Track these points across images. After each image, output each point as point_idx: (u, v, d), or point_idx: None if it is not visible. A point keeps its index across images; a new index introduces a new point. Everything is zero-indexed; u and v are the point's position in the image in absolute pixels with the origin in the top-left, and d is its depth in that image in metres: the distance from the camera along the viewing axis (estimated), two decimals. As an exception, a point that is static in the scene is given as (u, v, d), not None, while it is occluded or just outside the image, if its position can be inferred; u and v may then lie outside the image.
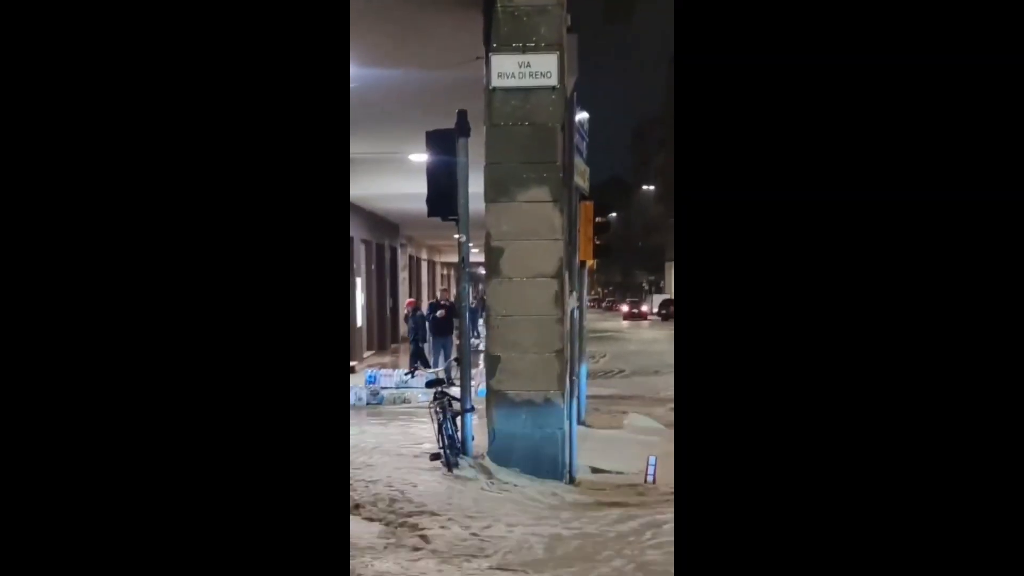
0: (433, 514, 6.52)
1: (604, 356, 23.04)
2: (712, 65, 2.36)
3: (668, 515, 6.60)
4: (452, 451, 7.93)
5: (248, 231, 2.31)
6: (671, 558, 5.49)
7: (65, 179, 2.26)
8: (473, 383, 8.96)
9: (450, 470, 7.73)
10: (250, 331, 2.37)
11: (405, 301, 22.68)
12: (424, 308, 19.17)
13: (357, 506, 6.76)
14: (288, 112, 2.27)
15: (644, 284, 69.80)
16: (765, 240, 2.34)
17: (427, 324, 16.95)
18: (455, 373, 10.46)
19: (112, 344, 2.33)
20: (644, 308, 52.80)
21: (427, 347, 16.94)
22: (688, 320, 2.43)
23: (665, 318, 47.06)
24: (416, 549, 5.81)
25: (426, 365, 15.80)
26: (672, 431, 11.10)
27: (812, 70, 2.32)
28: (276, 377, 2.40)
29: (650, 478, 7.99)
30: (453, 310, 15.57)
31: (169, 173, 2.25)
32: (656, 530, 6.17)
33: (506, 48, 7.80)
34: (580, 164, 9.10)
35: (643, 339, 32.57)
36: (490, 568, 5.30)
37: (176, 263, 2.30)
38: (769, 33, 2.33)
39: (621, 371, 19.96)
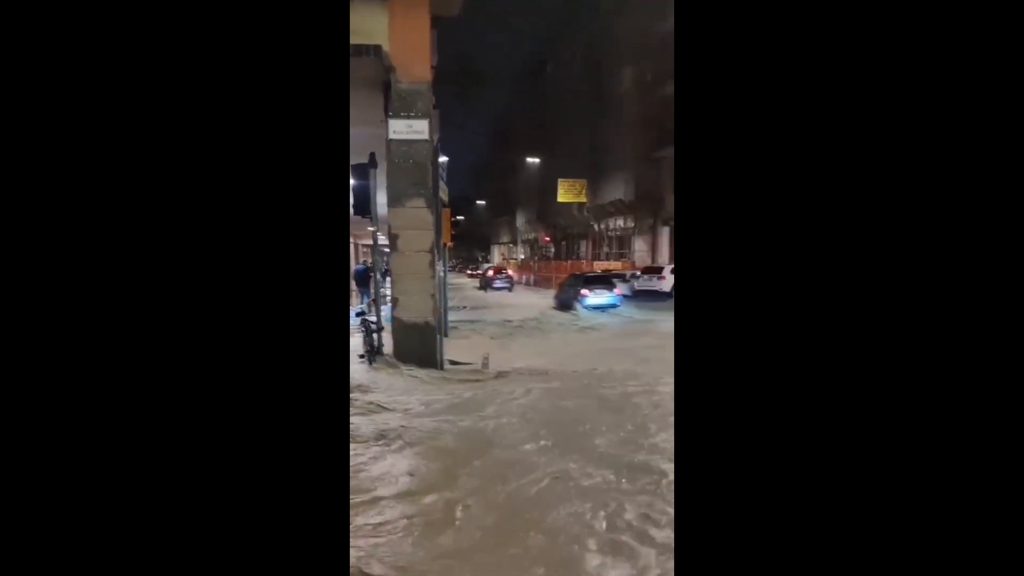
0: (363, 387, 6.56)
1: (462, 298, 23.15)
2: (711, 65, 1.44)
3: (495, 383, 6.97)
4: (371, 353, 7.92)
5: (258, 230, 1.46)
6: (493, 397, 5.82)
7: (65, 178, 1.38)
8: (383, 313, 8.99)
9: (370, 364, 7.74)
10: (253, 327, 1.45)
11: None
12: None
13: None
14: (296, 121, 1.46)
15: (479, 257, 70.15)
16: (764, 239, 1.42)
17: (355, 279, 16.95)
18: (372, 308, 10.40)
19: (110, 336, 1.39)
20: (479, 271, 53.34)
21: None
22: (687, 318, 1.47)
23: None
24: (354, 403, 5.87)
25: None
26: (495, 342, 11.54)
27: (815, 71, 1.39)
28: (277, 369, 1.45)
29: (486, 364, 8.38)
30: (370, 271, 15.60)
31: (192, 174, 1.43)
32: (488, 389, 6.41)
33: (398, 115, 7.75)
34: (442, 186, 9.18)
35: (478, 289, 32.81)
36: (403, 412, 5.44)
37: (188, 258, 1.42)
38: (769, 34, 1.41)
39: (466, 307, 20.18)
